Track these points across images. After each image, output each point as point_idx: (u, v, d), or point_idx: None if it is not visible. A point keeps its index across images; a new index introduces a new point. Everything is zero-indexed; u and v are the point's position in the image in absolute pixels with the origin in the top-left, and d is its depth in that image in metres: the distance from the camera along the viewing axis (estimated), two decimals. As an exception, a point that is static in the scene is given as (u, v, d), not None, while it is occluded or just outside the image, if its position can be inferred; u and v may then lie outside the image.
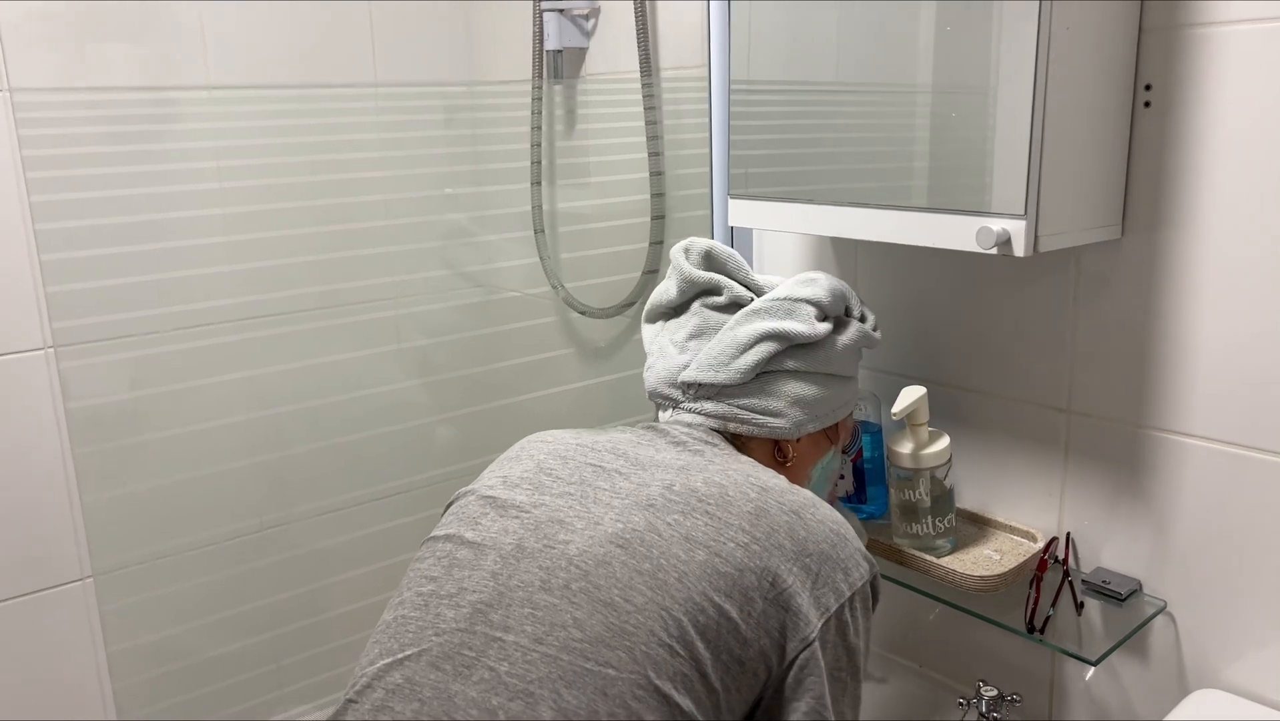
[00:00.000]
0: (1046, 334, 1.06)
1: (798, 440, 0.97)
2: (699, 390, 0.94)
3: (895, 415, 1.05)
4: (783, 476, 0.87)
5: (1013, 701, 1.09)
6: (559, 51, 1.57)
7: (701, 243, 1.01)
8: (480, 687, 0.72)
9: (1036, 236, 0.87)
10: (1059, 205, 0.89)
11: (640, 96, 1.48)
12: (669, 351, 0.99)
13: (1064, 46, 0.85)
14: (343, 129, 1.53)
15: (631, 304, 1.56)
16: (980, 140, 0.89)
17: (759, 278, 1.02)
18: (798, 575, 0.78)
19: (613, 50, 1.53)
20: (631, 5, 1.46)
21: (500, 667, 0.72)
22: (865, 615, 0.82)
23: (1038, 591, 1.02)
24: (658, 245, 1.51)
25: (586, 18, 1.56)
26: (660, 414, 0.98)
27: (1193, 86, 0.91)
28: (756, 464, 0.89)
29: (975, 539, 1.12)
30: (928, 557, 1.06)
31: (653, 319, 1.05)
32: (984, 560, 1.07)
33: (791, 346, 0.94)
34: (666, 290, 1.03)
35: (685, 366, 0.96)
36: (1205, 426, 0.95)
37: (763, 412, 0.93)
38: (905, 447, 1.06)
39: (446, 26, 1.78)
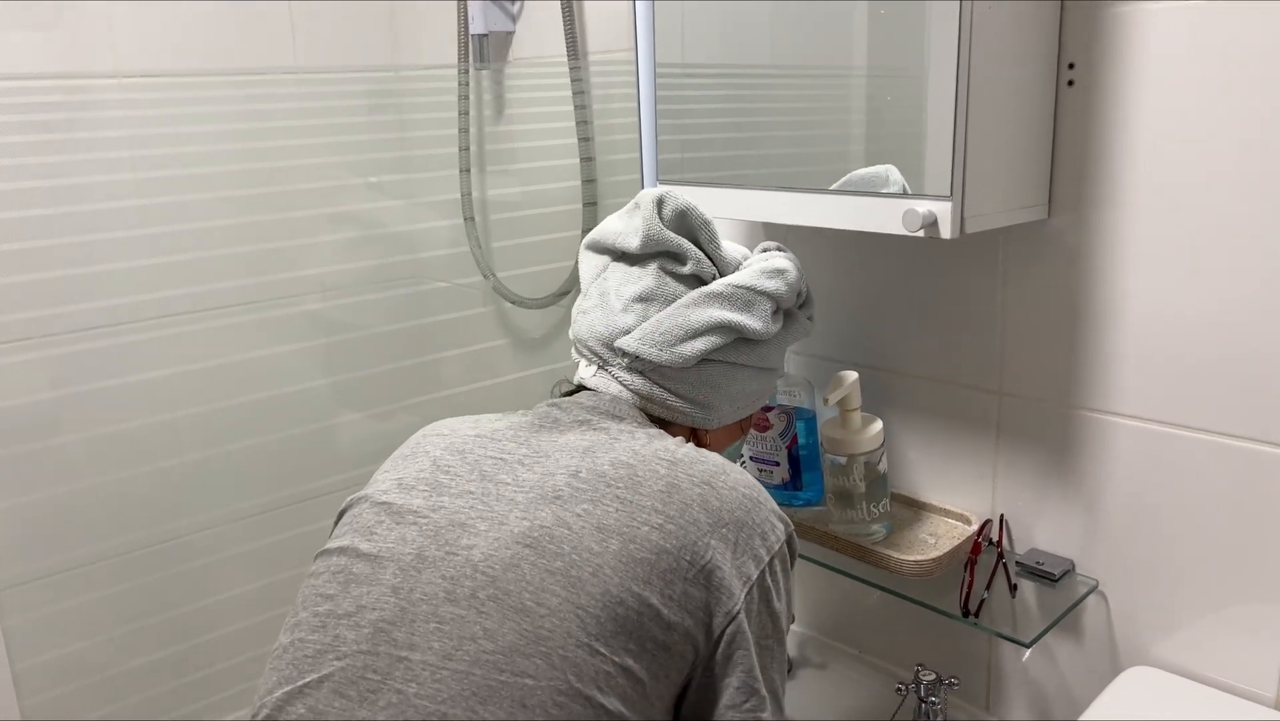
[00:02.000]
0: (976, 316, 1.06)
1: (714, 429, 0.94)
2: (633, 361, 0.88)
3: (828, 401, 1.04)
4: (690, 443, 0.84)
5: (950, 684, 1.09)
6: (485, 35, 1.53)
7: (679, 199, 0.91)
8: (389, 713, 0.67)
9: (963, 218, 0.86)
10: (985, 186, 0.88)
11: (569, 81, 1.45)
12: (611, 304, 0.91)
13: (986, 25, 0.84)
14: (261, 116, 1.47)
15: (565, 293, 1.53)
16: (913, 122, 0.88)
17: (726, 249, 0.95)
18: (717, 547, 0.75)
19: (539, 34, 1.50)
20: (558, -13, 1.43)
21: (408, 689, 0.68)
22: (785, 576, 0.80)
23: (971, 574, 1.02)
24: (590, 233, 1.48)
25: (512, 1, 1.52)
26: (581, 366, 0.93)
27: (1115, 65, 0.91)
28: (662, 433, 0.84)
29: (910, 523, 1.11)
30: (863, 543, 1.06)
31: (599, 250, 0.96)
32: (919, 544, 1.06)
33: (739, 339, 0.90)
34: (625, 235, 0.92)
35: (627, 331, 0.89)
36: (1133, 405, 0.95)
37: (691, 401, 0.89)
38: (838, 433, 1.05)
39: (369, 9, 1.72)
